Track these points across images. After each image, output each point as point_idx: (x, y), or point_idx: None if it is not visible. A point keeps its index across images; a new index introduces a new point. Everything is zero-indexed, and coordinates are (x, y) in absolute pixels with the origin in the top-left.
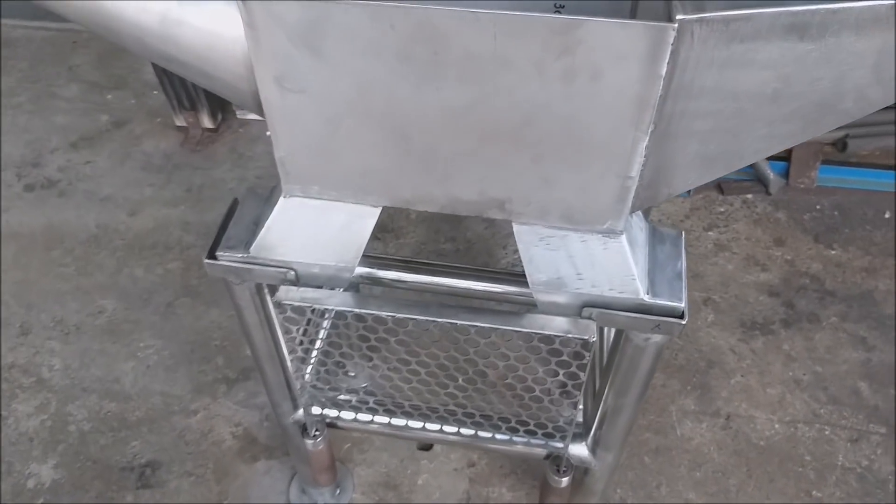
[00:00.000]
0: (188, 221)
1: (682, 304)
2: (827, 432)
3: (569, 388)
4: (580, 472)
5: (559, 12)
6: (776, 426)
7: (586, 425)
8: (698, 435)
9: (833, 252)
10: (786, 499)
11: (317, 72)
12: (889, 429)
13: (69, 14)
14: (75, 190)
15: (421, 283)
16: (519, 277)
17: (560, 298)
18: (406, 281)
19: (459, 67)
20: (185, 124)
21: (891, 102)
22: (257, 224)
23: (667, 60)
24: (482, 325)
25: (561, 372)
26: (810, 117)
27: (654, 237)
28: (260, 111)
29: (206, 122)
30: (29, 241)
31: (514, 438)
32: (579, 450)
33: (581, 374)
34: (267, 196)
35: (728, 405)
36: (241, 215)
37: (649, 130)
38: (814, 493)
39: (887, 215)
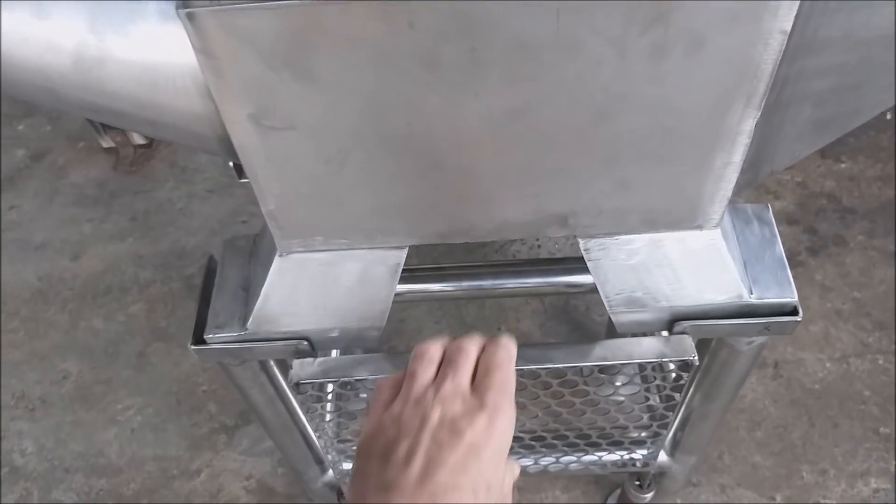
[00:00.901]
0: (141, 255)
1: (794, 298)
2: (880, 361)
3: (660, 410)
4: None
5: None
6: (827, 365)
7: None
8: (750, 391)
9: (843, 165)
10: (854, 442)
11: (308, 100)
12: None
13: None
14: (5, 242)
15: (462, 289)
16: (573, 263)
17: (646, 316)
18: (445, 290)
19: (507, 64)
20: (112, 145)
21: None
22: (248, 289)
23: (795, 9)
24: (552, 365)
25: (653, 398)
26: None
27: (737, 217)
28: (233, 156)
29: (137, 139)
30: None
31: (592, 458)
32: (660, 457)
33: (676, 397)
34: (251, 248)
35: (773, 352)
36: (224, 280)
37: (762, 103)
38: (881, 429)
39: (889, 116)
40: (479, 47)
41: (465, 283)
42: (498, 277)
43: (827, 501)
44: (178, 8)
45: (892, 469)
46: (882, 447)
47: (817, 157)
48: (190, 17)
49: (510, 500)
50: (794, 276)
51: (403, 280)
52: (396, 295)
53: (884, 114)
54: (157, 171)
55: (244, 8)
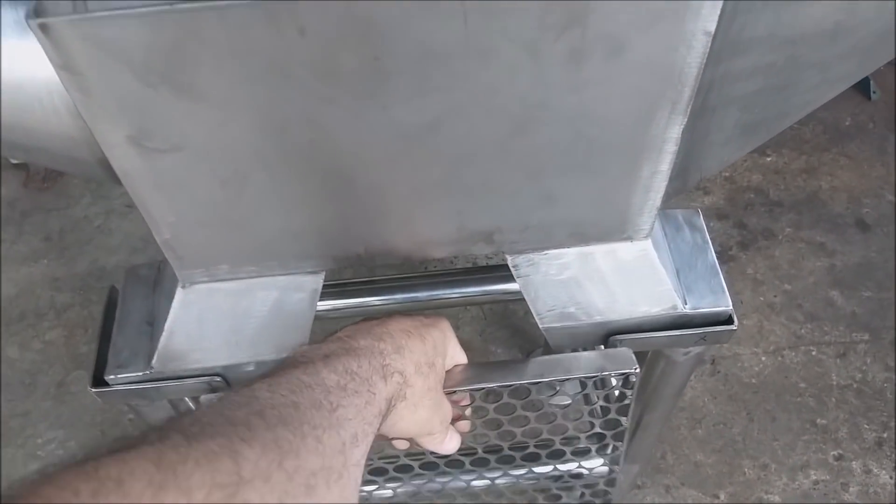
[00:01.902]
0: (57, 277)
1: (729, 307)
2: (814, 353)
3: (607, 440)
4: None
5: None
6: (763, 359)
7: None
8: (689, 388)
9: (769, 159)
10: (792, 435)
11: (193, 117)
12: (871, 334)
13: None
14: None
15: (396, 301)
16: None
17: (580, 331)
18: (379, 304)
19: (415, 74)
20: (21, 160)
21: None
22: (152, 323)
23: (719, 9)
24: (485, 385)
25: (597, 423)
26: (869, 51)
27: (668, 223)
28: (119, 181)
29: None
30: None
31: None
32: (600, 469)
33: (623, 421)
34: (155, 279)
35: (710, 348)
36: (125, 313)
37: (688, 109)
38: (818, 420)
39: None
40: (382, 55)
41: (400, 296)
42: (434, 288)
43: (769, 496)
44: (28, 18)
45: (830, 460)
46: (820, 439)
47: None
48: (44, 28)
49: None
50: (726, 271)
51: (332, 295)
52: (326, 312)
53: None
54: (72, 187)
55: (108, 16)
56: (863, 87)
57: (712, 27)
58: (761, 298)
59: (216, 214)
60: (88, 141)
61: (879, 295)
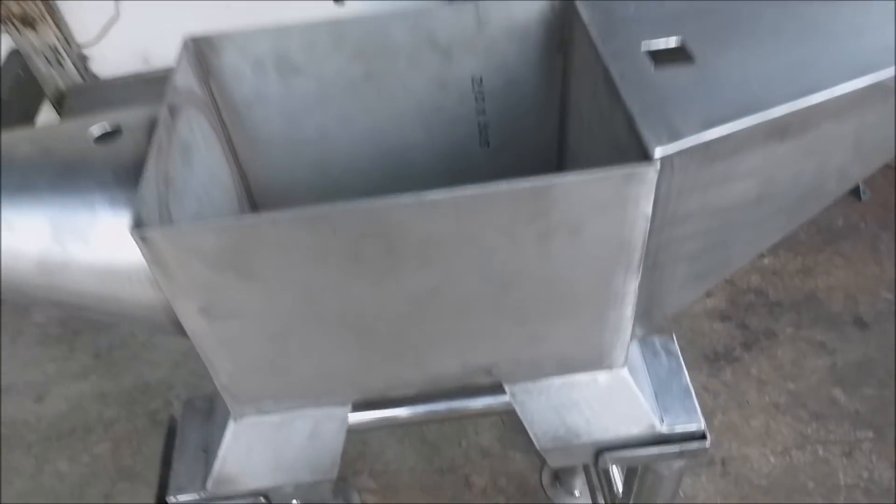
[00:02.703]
0: (104, 392)
1: (702, 425)
2: (820, 452)
3: None
4: None
5: (478, 87)
6: (771, 459)
7: None
8: (701, 490)
9: (766, 261)
10: None
11: (250, 293)
12: (875, 431)
13: None
14: None
15: (419, 414)
16: None
17: (572, 450)
18: (403, 417)
19: (420, 255)
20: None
21: (868, 174)
22: (207, 450)
23: (651, 198)
24: None
25: None
26: (795, 209)
27: (646, 349)
28: (188, 338)
29: None
30: None
31: None
32: None
33: None
34: (208, 410)
35: (719, 449)
36: (184, 442)
37: (639, 269)
38: None
39: None
40: (395, 245)
41: (422, 409)
42: (454, 400)
43: None
44: (131, 230)
45: None
46: None
47: None
48: (143, 238)
49: None
50: (730, 372)
51: (360, 408)
52: (355, 425)
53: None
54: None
55: (190, 229)
56: (853, 187)
57: (648, 211)
58: (767, 398)
59: (264, 363)
60: (166, 309)
61: (881, 392)
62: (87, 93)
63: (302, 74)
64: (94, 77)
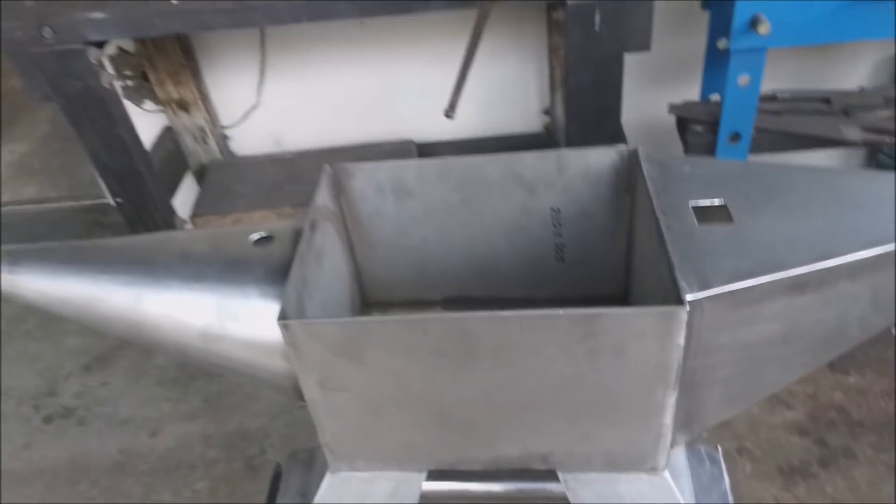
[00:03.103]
0: (209, 435)
1: None
2: None
3: None
4: None
5: (556, 215)
6: None
7: None
8: None
9: (851, 379)
10: None
11: (357, 374)
12: None
13: (109, 330)
14: (94, 416)
15: (481, 492)
16: None
17: None
18: (471, 491)
19: (491, 357)
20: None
21: (891, 323)
22: (304, 495)
23: (683, 333)
24: None
25: None
26: (820, 348)
27: (694, 457)
28: (302, 400)
29: None
30: (53, 477)
31: None
32: None
33: None
34: (308, 460)
35: None
36: (286, 486)
37: (676, 387)
38: None
39: (894, 331)
40: (472, 347)
41: (487, 487)
42: (515, 482)
43: None
44: (277, 321)
45: None
46: None
47: (827, 369)
48: (285, 326)
49: None
50: (805, 488)
51: (434, 477)
52: (427, 493)
53: (889, 328)
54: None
55: (319, 323)
56: None
57: (681, 342)
58: None
59: (361, 430)
60: (292, 378)
61: None
62: (225, 168)
63: (413, 197)
64: (232, 154)
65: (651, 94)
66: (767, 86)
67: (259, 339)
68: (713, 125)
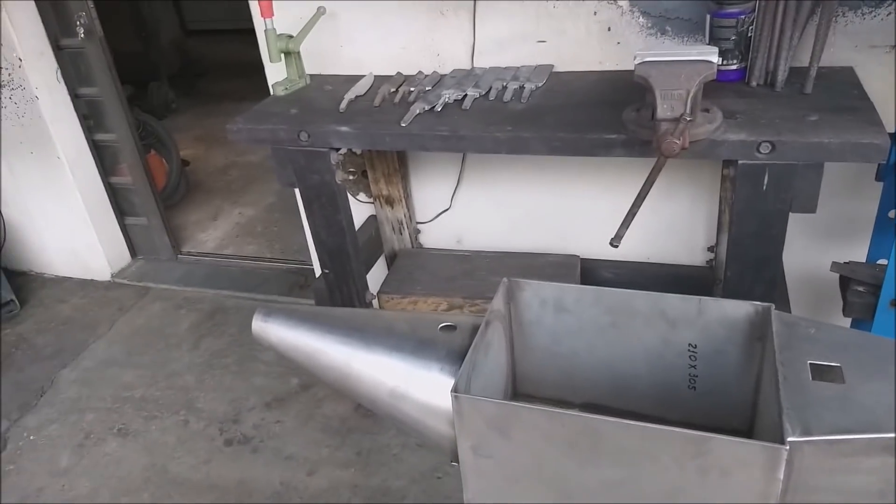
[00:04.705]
0: (356, 485)
1: None
2: None
3: None
4: None
5: (692, 350)
6: None
7: None
8: None
9: None
10: None
11: (503, 446)
12: None
13: (323, 376)
14: (265, 447)
15: None
16: None
17: None
18: None
19: (614, 456)
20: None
21: None
22: None
23: (783, 469)
24: None
25: None
26: None
27: None
28: (455, 459)
29: None
30: (223, 493)
31: None
32: None
33: None
34: None
35: None
36: None
37: None
38: None
39: None
40: (598, 444)
41: None
42: None
43: None
44: (451, 393)
45: None
46: None
47: None
48: (455, 397)
49: None
50: None
51: None
52: None
53: None
54: (385, 420)
55: (481, 400)
56: None
57: (780, 476)
58: None
59: (498, 494)
60: (451, 440)
61: None
62: (412, 256)
63: (569, 314)
64: (420, 245)
65: (819, 247)
66: None
67: (433, 404)
68: (876, 288)
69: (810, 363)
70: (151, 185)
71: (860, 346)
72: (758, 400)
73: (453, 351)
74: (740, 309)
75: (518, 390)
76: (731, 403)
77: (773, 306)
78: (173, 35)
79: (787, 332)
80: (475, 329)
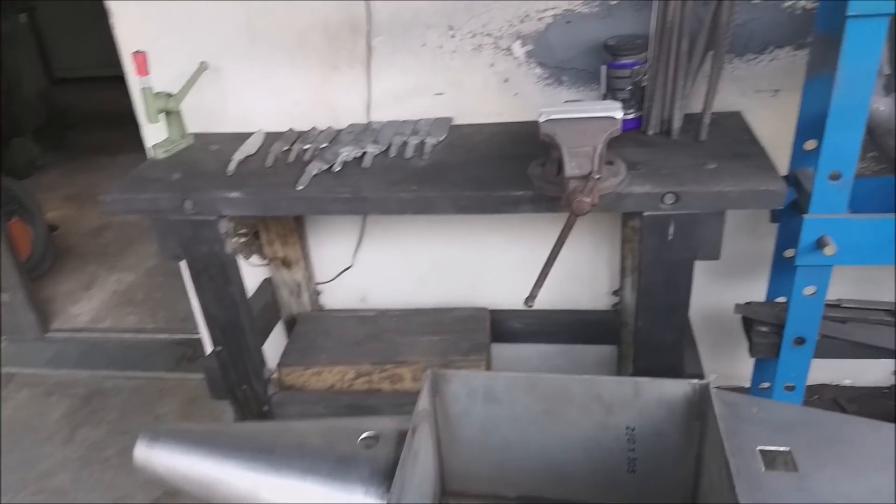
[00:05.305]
0: None
1: None
2: None
3: None
4: None
5: (630, 432)
6: None
7: None
8: None
9: None
10: None
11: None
12: None
13: None
14: None
15: None
16: None
17: None
18: None
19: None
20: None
21: None
22: None
23: None
24: None
25: None
26: None
27: None
28: None
29: None
30: None
31: None
32: None
33: None
34: None
35: None
36: None
37: None
38: None
39: None
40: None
41: None
42: None
43: None
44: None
45: None
46: None
47: None
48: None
49: None
50: None
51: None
52: None
53: None
54: None
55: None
56: None
57: None
58: None
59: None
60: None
61: None
62: (312, 321)
63: (500, 404)
64: (321, 308)
65: (720, 288)
66: (833, 293)
67: None
68: (779, 328)
69: (760, 450)
70: (13, 256)
71: (806, 423)
72: (699, 482)
73: (378, 469)
74: (678, 388)
75: (447, 489)
76: (672, 484)
77: (711, 384)
78: (39, 85)
79: (729, 413)
80: (401, 436)
